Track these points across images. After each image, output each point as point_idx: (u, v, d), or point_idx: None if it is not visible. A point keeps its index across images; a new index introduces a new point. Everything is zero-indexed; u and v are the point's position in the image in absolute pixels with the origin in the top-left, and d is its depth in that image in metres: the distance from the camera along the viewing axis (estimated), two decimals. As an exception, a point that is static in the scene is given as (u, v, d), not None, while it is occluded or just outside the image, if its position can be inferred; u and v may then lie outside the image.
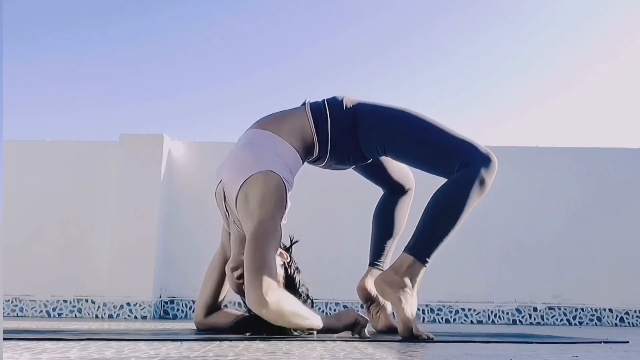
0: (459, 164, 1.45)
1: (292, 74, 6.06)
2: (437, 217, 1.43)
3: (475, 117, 5.79)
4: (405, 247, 1.45)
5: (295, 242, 1.54)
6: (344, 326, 1.35)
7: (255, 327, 1.38)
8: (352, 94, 1.60)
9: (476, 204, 1.45)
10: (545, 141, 3.42)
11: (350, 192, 2.96)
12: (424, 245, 1.42)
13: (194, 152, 3.16)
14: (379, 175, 1.77)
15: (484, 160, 1.45)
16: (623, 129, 5.84)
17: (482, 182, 1.43)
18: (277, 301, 1.23)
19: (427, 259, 1.42)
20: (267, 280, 1.24)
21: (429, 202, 1.46)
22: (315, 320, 1.31)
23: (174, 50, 5.72)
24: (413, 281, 1.43)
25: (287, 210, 1.45)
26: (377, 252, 1.76)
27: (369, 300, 1.70)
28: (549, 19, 5.63)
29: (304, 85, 5.82)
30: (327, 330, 1.33)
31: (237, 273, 1.44)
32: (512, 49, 5.87)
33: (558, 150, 3.17)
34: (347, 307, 2.89)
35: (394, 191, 1.80)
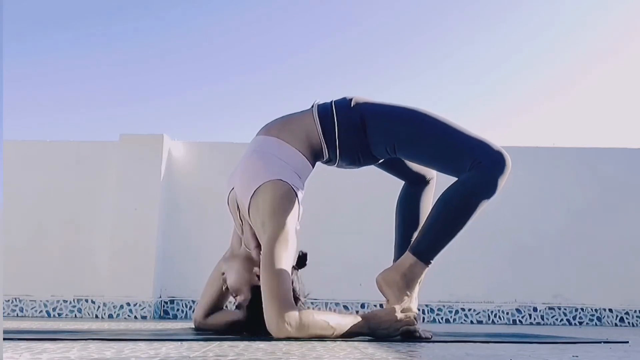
0: (470, 163, 1.39)
1: (292, 73, 6.06)
2: (444, 218, 1.40)
3: (475, 117, 5.80)
4: (409, 247, 1.43)
5: (305, 257, 1.48)
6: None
7: (250, 327, 1.39)
8: (356, 93, 1.56)
9: (485, 205, 1.40)
10: (545, 141, 3.42)
11: (351, 191, 2.96)
12: (428, 246, 1.40)
13: (194, 152, 3.16)
14: (399, 168, 1.70)
15: (496, 160, 1.39)
16: (623, 129, 5.84)
17: (493, 184, 1.38)
18: (299, 327, 1.22)
19: (430, 260, 1.41)
20: (284, 306, 1.23)
21: (436, 202, 1.44)
22: (341, 327, 1.27)
23: (174, 50, 5.73)
24: (414, 282, 1.41)
25: (300, 217, 1.44)
26: (403, 245, 1.66)
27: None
28: (549, 19, 5.64)
29: (304, 85, 5.82)
30: (357, 334, 1.30)
31: (239, 299, 1.46)
32: (512, 49, 5.88)
33: (558, 150, 3.17)
34: (347, 307, 2.89)
35: (416, 182, 1.73)
